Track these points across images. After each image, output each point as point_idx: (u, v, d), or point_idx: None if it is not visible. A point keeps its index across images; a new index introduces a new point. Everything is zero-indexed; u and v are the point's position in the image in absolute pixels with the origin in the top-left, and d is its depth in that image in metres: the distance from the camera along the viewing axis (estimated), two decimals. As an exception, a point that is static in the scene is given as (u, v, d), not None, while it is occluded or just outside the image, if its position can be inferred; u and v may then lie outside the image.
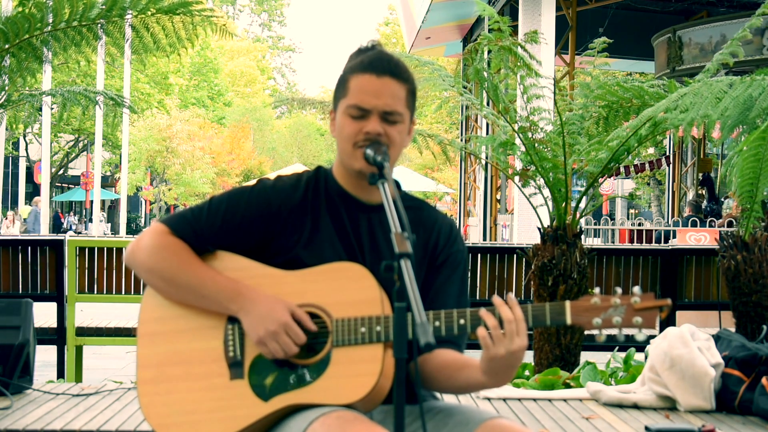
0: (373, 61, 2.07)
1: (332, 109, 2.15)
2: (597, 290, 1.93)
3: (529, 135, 4.80)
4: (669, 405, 3.56)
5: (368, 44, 2.15)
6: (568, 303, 1.93)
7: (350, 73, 2.09)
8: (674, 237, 12.96)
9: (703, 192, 18.16)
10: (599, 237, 15.03)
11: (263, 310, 1.99)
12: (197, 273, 2.06)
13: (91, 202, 32.26)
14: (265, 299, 2.01)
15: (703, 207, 16.67)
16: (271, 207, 2.10)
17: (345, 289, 2.01)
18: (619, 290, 1.92)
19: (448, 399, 2.22)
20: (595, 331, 1.91)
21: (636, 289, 1.91)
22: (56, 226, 36.24)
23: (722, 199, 17.36)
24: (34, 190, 38.51)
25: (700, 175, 19.20)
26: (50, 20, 5.83)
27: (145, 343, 2.09)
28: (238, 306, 2.02)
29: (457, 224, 2.22)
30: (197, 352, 2.05)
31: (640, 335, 1.89)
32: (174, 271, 2.06)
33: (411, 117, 2.13)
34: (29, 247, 5.54)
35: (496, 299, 1.91)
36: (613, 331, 1.92)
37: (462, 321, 1.94)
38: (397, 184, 2.15)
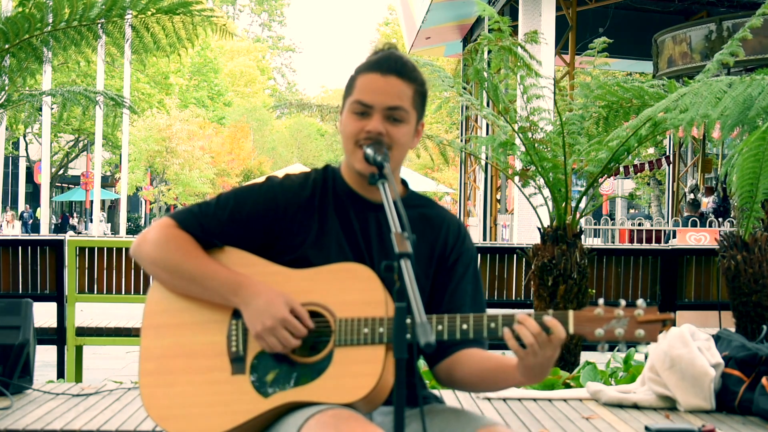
0: (380, 60, 2.08)
1: (340, 109, 2.15)
2: (601, 300, 1.93)
3: (529, 135, 4.80)
4: (669, 405, 3.56)
5: (384, 46, 2.15)
6: (571, 313, 1.92)
7: (357, 73, 2.10)
8: (674, 237, 12.96)
9: (701, 191, 18.08)
10: (599, 237, 15.04)
11: (262, 303, 1.99)
12: (201, 265, 2.06)
13: (91, 202, 32.27)
14: (266, 292, 2.01)
15: (710, 207, 16.58)
16: (278, 205, 2.10)
17: (350, 289, 2.01)
18: (623, 302, 1.92)
19: (448, 400, 2.23)
20: (597, 342, 1.92)
21: (640, 301, 1.91)
22: (63, 226, 36.31)
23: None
24: (34, 190, 38.55)
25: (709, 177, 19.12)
26: (50, 20, 5.84)
27: (149, 335, 2.10)
28: (240, 299, 2.02)
29: (458, 224, 2.23)
30: (200, 345, 2.05)
31: (643, 348, 1.90)
32: (178, 263, 2.07)
33: (419, 118, 2.12)
34: (29, 247, 5.54)
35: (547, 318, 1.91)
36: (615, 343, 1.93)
37: (465, 326, 1.94)
38: (405, 183, 2.15)
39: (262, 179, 2.17)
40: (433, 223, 2.17)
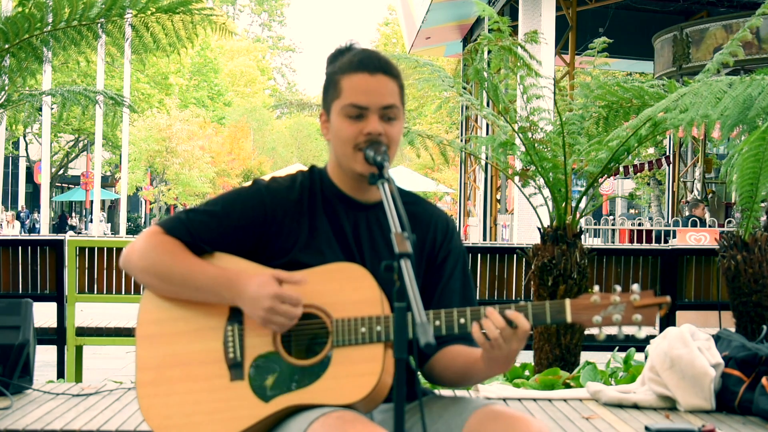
0: (363, 60, 2.07)
1: (323, 112, 2.13)
2: (596, 288, 1.93)
3: (529, 135, 4.79)
4: (669, 405, 3.55)
5: (347, 44, 2.15)
6: (568, 301, 1.93)
7: (340, 73, 2.07)
8: (674, 237, 12.95)
9: None
10: (599, 237, 15.03)
11: (252, 291, 1.98)
12: (190, 266, 2.05)
13: (91, 202, 32.27)
14: (250, 279, 1.99)
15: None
16: (266, 209, 2.09)
17: (344, 289, 2.00)
18: (618, 288, 1.92)
19: (444, 391, 2.25)
20: (595, 329, 1.92)
21: (635, 286, 1.91)
22: (62, 225, 36.31)
23: None
24: (34, 190, 38.57)
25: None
26: (50, 20, 5.83)
27: (144, 345, 2.08)
28: (233, 293, 2.01)
29: (457, 224, 2.22)
30: (197, 353, 2.04)
31: (640, 333, 1.90)
32: (167, 267, 2.05)
33: (403, 113, 2.13)
34: (29, 247, 5.54)
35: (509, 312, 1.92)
36: (613, 329, 1.92)
37: (462, 320, 1.95)
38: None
39: (248, 183, 2.16)
40: (421, 220, 2.16)
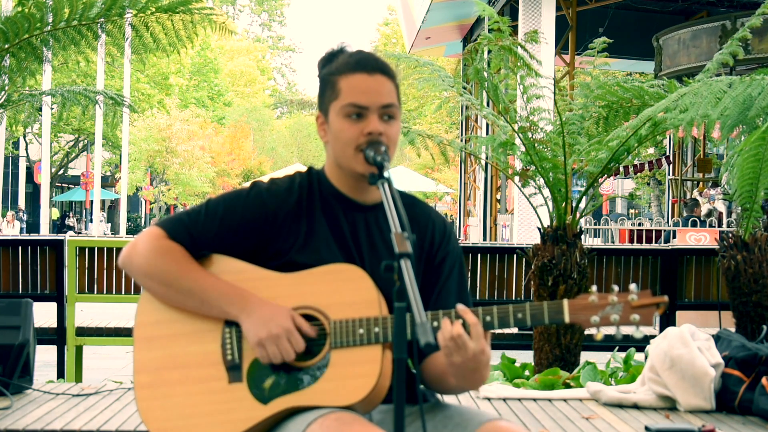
0: (360, 61, 2.07)
1: (320, 114, 2.12)
2: (594, 288, 1.93)
3: (529, 135, 4.80)
4: (669, 405, 3.56)
5: (338, 47, 2.15)
6: (566, 302, 1.93)
7: (337, 74, 2.07)
8: (674, 237, 12.95)
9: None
10: (599, 237, 15.04)
11: (266, 313, 1.98)
12: (197, 278, 2.04)
13: (91, 202, 32.26)
14: (268, 304, 2.00)
15: None
16: (267, 211, 2.08)
17: (342, 290, 2.00)
18: (616, 288, 1.92)
19: (448, 399, 2.23)
20: (593, 330, 1.91)
21: (633, 286, 1.91)
22: (62, 225, 36.29)
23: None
24: (34, 190, 38.55)
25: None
26: (50, 20, 5.83)
27: (141, 347, 2.08)
28: (238, 309, 2.00)
29: (457, 224, 2.22)
30: (195, 355, 2.04)
31: (638, 333, 1.90)
32: (174, 276, 2.05)
33: (400, 112, 2.13)
34: (29, 247, 5.54)
35: (459, 306, 1.91)
36: (611, 329, 1.92)
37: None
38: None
39: (247, 185, 2.16)
40: (419, 221, 2.16)
